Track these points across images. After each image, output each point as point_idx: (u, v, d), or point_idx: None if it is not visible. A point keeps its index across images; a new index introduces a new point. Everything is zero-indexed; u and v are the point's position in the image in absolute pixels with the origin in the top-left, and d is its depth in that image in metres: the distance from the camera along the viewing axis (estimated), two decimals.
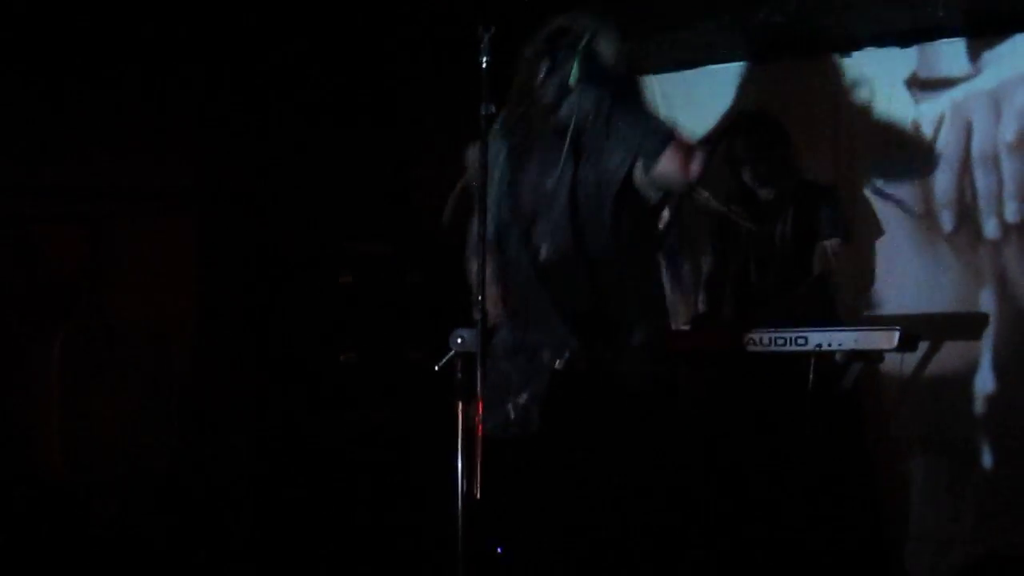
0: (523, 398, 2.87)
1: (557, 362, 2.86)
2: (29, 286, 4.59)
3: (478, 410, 2.68)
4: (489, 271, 2.79)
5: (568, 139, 2.90)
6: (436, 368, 3.08)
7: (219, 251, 4.87)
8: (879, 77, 4.26)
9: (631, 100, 3.05)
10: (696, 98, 4.55)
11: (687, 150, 2.93)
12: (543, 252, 2.95)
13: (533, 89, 2.94)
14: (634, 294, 2.97)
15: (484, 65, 2.69)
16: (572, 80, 2.86)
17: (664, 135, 2.94)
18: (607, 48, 2.91)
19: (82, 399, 4.22)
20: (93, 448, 4.20)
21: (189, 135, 4.82)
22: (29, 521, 4.09)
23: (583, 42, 2.88)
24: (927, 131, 4.18)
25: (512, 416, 2.85)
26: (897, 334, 3.34)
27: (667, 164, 2.90)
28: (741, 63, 4.50)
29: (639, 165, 2.92)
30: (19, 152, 4.50)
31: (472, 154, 2.83)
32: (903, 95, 4.22)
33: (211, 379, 4.70)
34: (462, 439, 2.76)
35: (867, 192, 4.26)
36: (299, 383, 4.56)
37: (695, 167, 2.92)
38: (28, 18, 4.13)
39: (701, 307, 4.14)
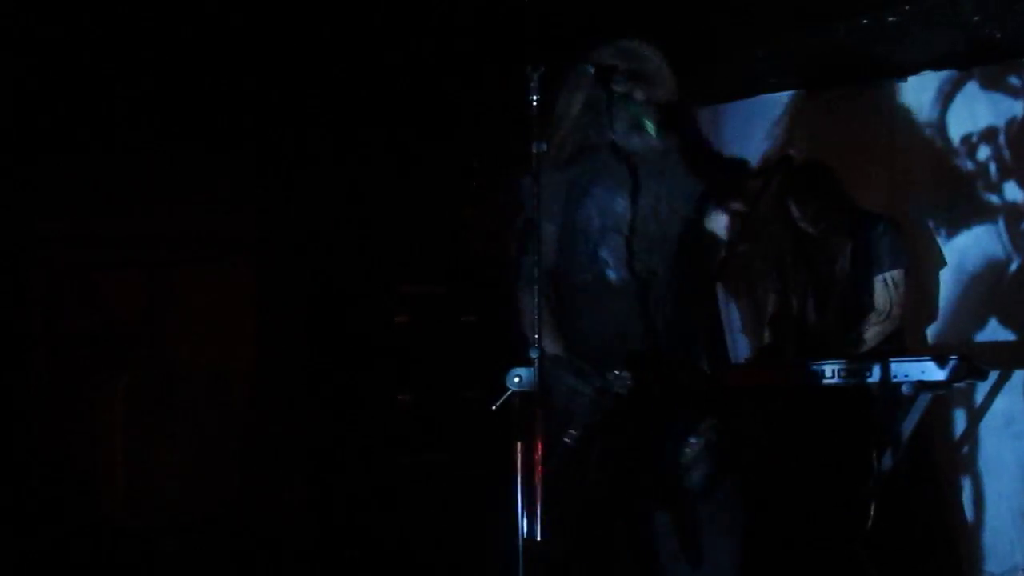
0: (581, 429, 2.85)
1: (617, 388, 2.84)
2: (92, 332, 4.67)
3: (537, 450, 2.64)
4: (544, 304, 2.77)
5: (637, 168, 2.91)
6: (494, 408, 3.05)
7: (277, 295, 4.92)
8: (936, 101, 4.19)
9: (694, 130, 3.06)
10: (749, 128, 4.53)
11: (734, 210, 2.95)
12: (611, 275, 2.94)
13: (589, 123, 2.94)
14: (691, 325, 2.93)
15: (534, 104, 2.69)
16: (645, 125, 2.86)
17: (737, 172, 2.96)
18: (665, 83, 2.92)
19: (144, 442, 4.27)
20: (155, 490, 4.24)
21: (246, 182, 4.89)
22: (94, 563, 4.13)
23: (640, 84, 2.89)
24: (987, 154, 4.09)
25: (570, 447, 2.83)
26: (965, 364, 3.24)
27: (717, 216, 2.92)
28: (793, 91, 4.47)
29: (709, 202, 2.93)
30: (80, 202, 4.60)
31: (527, 187, 2.82)
32: (962, 119, 4.15)
33: (270, 421, 4.73)
34: (521, 480, 2.72)
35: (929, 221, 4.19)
36: (357, 424, 4.57)
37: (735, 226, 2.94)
38: (90, 73, 4.23)
39: (767, 343, 4.07)
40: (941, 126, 4.19)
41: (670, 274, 2.90)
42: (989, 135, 4.09)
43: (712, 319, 3.08)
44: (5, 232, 4.48)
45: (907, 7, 3.68)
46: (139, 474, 4.22)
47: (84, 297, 4.73)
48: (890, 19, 3.80)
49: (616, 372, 2.80)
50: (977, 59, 4.08)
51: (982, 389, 3.92)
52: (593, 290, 2.94)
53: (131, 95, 4.41)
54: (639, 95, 2.89)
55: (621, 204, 2.94)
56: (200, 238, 4.89)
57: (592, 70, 2.90)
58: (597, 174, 2.98)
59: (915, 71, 4.22)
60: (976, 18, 3.74)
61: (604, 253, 2.94)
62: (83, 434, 4.37)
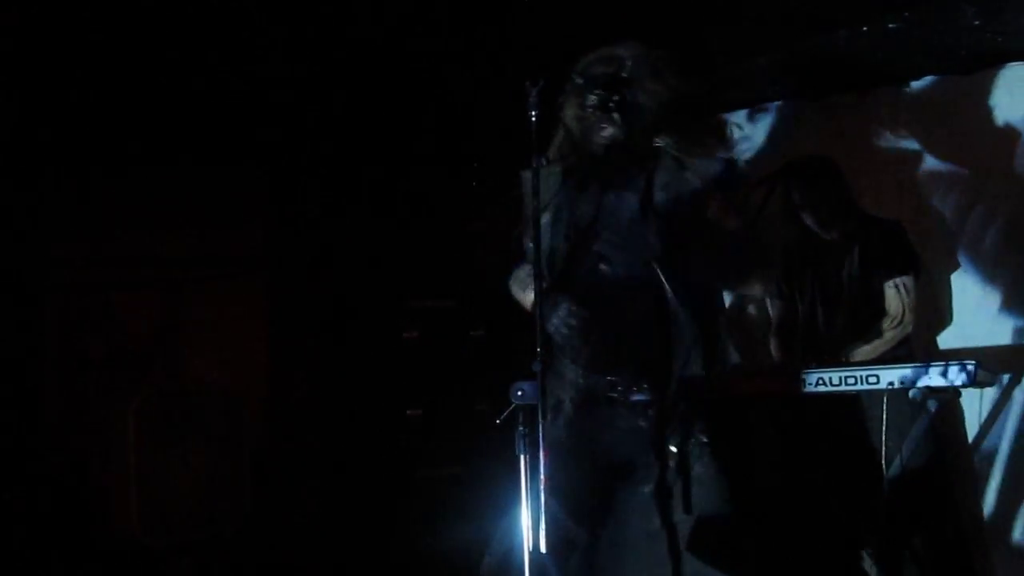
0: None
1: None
2: (106, 351, 4.71)
3: (541, 463, 2.65)
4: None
5: (629, 168, 2.94)
6: (498, 421, 3.06)
7: (288, 313, 4.94)
8: (941, 105, 4.17)
9: (698, 130, 3.11)
10: (753, 136, 4.53)
11: (728, 206, 2.95)
12: (605, 268, 2.95)
13: (582, 130, 3.00)
14: (691, 327, 2.93)
15: (533, 118, 2.72)
16: (620, 130, 2.92)
17: (737, 174, 3.00)
18: (645, 83, 2.97)
19: (158, 461, 4.29)
20: (169, 509, 4.26)
21: (255, 202, 4.93)
22: None
23: (645, 78, 2.95)
24: (993, 158, 4.07)
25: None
26: (973, 369, 3.22)
27: (716, 210, 2.93)
28: (796, 99, 4.47)
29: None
30: (94, 223, 4.64)
31: (526, 180, 2.87)
32: (967, 123, 4.13)
33: (282, 439, 4.75)
34: (526, 492, 2.72)
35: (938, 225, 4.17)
36: (368, 440, 4.58)
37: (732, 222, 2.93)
38: (102, 95, 4.28)
39: (774, 352, 4.06)
40: (946, 130, 4.17)
41: (665, 272, 2.91)
42: (996, 138, 4.08)
43: (712, 323, 3.08)
44: (19, 254, 4.53)
45: (907, 13, 3.68)
46: (153, 493, 4.23)
47: (98, 318, 4.78)
48: (891, 25, 3.79)
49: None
50: (979, 64, 4.06)
51: (991, 395, 3.89)
52: (586, 283, 2.96)
53: (143, 117, 4.45)
54: (617, 99, 2.94)
55: (613, 198, 2.97)
56: (212, 258, 4.93)
57: (580, 81, 2.98)
58: (592, 172, 3.04)
59: (917, 76, 4.21)
60: (977, 22, 3.73)
61: (598, 247, 2.96)
62: (97, 454, 4.40)
